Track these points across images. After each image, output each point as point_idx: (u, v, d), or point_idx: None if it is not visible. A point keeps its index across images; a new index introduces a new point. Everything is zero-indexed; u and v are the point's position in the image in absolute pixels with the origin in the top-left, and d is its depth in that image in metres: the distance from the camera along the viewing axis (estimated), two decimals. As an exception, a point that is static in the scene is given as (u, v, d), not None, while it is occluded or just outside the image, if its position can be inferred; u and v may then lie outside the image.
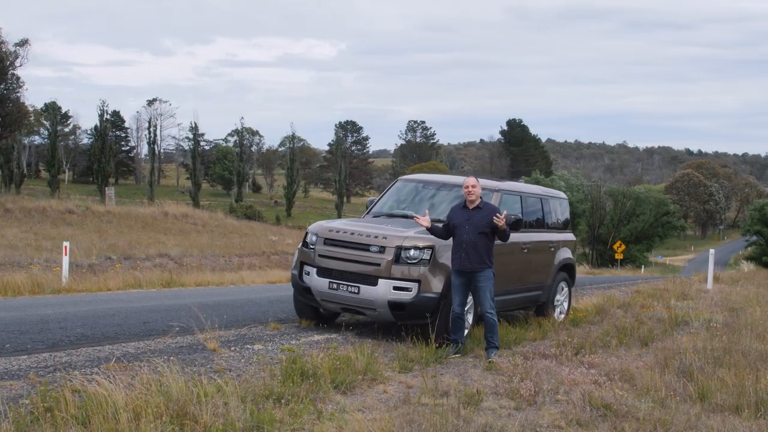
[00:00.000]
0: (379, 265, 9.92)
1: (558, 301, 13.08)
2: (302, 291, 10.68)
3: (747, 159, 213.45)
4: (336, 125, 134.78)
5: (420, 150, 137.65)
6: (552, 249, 12.65)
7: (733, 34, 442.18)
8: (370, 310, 10.13)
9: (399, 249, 9.89)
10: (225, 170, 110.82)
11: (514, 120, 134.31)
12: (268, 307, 13.12)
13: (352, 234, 10.26)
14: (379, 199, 12.19)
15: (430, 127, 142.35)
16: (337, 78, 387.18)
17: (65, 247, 17.96)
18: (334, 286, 10.17)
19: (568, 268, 13.23)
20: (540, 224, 12.56)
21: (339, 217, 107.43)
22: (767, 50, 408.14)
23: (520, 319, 13.01)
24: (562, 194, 13.73)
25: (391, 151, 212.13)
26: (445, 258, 10.02)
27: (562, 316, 13.13)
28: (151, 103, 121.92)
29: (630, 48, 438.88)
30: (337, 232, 10.42)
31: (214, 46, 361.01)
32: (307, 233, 10.82)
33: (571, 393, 8.02)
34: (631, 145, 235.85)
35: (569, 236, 13.55)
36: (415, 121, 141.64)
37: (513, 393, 7.77)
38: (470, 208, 9.73)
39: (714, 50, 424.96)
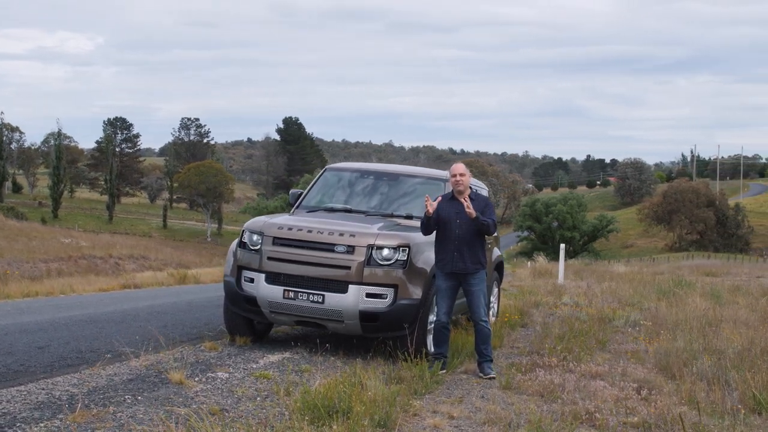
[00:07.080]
0: (348, 268, 8.29)
1: (491, 302, 11.90)
2: (242, 301, 8.79)
3: (506, 158, 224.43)
4: (104, 122, 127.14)
5: (194, 149, 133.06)
6: (489, 246, 11.45)
7: (492, 37, 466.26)
8: (335, 322, 8.46)
9: (371, 248, 8.32)
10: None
11: (290, 118, 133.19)
12: (157, 321, 11.02)
13: (310, 232, 8.53)
14: (308, 192, 10.46)
15: (205, 125, 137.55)
16: (96, 73, 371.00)
17: None
18: (291, 294, 8.40)
19: (499, 268, 12.11)
20: (479, 219, 11.33)
21: (111, 218, 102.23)
22: (523, 54, 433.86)
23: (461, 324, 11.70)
24: (484, 185, 12.60)
25: (157, 150, 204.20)
26: (423, 258, 8.58)
27: (494, 318, 11.97)
28: None
29: (395, 49, 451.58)
30: (290, 229, 8.64)
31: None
32: (244, 232, 8.95)
33: (630, 413, 6.84)
34: (397, 144, 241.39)
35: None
36: (189, 119, 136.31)
37: (587, 419, 6.44)
38: (460, 199, 8.32)
39: (474, 53, 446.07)
